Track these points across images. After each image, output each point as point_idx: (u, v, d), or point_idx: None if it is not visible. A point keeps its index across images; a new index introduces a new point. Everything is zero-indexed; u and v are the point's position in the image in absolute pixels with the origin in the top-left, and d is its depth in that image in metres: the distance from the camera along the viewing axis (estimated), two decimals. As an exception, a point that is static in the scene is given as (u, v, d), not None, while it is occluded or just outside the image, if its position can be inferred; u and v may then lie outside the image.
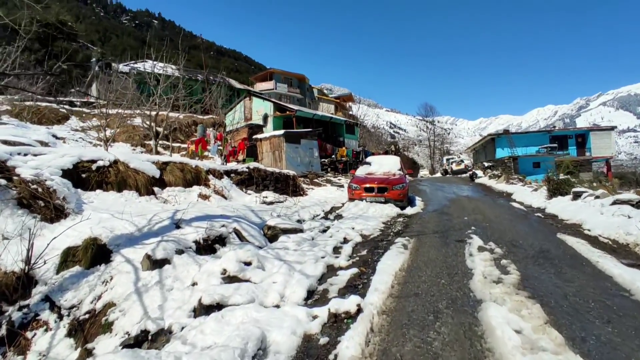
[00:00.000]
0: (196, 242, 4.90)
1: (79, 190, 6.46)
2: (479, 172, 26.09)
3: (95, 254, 4.34)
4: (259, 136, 17.44)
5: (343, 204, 10.18)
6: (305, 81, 50.99)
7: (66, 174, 6.41)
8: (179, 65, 14.07)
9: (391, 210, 9.00)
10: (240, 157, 20.18)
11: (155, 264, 4.12)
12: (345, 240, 5.98)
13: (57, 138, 15.22)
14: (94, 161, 7.28)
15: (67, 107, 22.99)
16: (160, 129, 24.00)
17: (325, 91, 61.66)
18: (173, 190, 8.89)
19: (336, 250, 5.37)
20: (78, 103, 25.69)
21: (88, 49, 45.88)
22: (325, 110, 42.96)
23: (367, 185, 9.59)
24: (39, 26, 12.18)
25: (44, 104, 21.32)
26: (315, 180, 16.70)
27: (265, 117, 22.99)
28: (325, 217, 8.91)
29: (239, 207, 7.93)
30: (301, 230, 6.43)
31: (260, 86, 47.56)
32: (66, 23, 32.16)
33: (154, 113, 14.00)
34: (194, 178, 9.96)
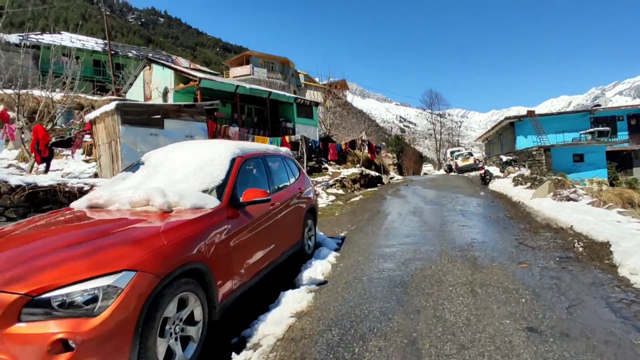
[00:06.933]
0: None
1: None
2: (494, 170, 17.71)
3: None
4: (90, 115, 9.59)
5: None
6: (289, 65, 43.47)
7: None
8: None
9: None
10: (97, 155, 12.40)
11: None
12: None
13: None
14: None
15: None
16: (12, 114, 16.47)
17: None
18: None
19: None
20: None
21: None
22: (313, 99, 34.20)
23: None
24: None
25: None
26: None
27: (166, 93, 15.10)
28: None
29: None
30: None
31: (235, 72, 40.49)
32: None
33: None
34: None
